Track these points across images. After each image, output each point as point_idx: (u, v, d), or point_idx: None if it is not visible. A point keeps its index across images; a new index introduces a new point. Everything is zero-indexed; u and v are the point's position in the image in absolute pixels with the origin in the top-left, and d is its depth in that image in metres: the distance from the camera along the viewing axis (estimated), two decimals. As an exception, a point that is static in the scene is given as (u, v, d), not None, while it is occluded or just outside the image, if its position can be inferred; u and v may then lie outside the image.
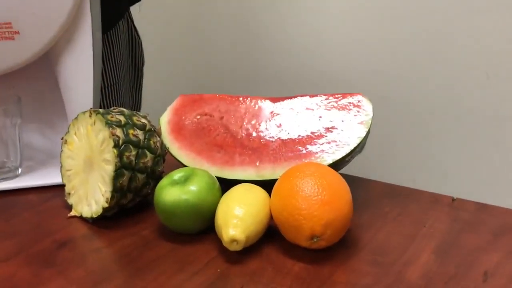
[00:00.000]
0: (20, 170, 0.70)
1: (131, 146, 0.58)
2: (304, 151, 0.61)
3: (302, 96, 0.66)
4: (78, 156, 0.61)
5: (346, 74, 1.18)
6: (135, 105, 1.01)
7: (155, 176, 0.61)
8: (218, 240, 0.55)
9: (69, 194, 0.62)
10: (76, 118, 0.61)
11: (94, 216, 0.59)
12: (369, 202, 0.64)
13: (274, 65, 1.27)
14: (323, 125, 0.63)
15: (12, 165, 0.69)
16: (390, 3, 1.11)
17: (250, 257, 0.54)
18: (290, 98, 0.67)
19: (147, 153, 0.60)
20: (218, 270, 0.52)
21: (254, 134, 0.65)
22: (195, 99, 0.69)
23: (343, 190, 0.54)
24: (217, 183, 0.58)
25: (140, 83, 1.01)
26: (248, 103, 0.68)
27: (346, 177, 0.57)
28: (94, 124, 0.59)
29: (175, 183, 0.57)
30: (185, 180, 0.57)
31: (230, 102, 0.68)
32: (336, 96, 0.65)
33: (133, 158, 0.58)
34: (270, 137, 0.64)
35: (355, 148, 0.61)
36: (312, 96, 0.66)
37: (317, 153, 0.61)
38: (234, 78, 1.34)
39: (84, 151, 0.60)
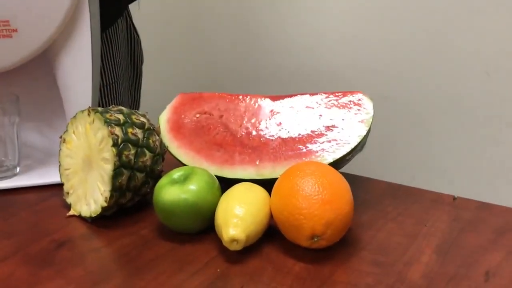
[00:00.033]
0: (18, 169, 0.69)
1: (130, 145, 0.58)
2: (304, 150, 0.61)
3: (302, 94, 0.66)
4: (77, 155, 0.60)
5: (346, 72, 1.17)
6: (134, 104, 1.01)
7: (154, 175, 0.61)
8: (218, 240, 0.54)
9: (68, 193, 0.62)
10: (74, 116, 0.61)
11: (93, 215, 0.59)
12: (370, 201, 0.64)
13: (274, 63, 1.26)
14: (324, 124, 0.63)
15: (10, 164, 0.68)
16: (390, 2, 1.11)
17: (250, 257, 0.53)
18: (290, 96, 0.66)
19: (146, 152, 0.59)
20: (218, 270, 0.52)
21: (254, 132, 0.64)
22: (195, 97, 0.69)
23: (344, 189, 0.53)
24: (217, 182, 0.58)
25: (139, 82, 1.01)
26: (247, 101, 0.67)
27: (346, 176, 0.57)
28: (93, 122, 0.58)
29: (175, 182, 0.56)
30: (184, 179, 0.56)
31: (229, 100, 0.68)
32: (337, 94, 0.64)
33: (132, 157, 0.58)
34: (270, 136, 0.64)
35: (355, 146, 0.60)
36: (312, 94, 0.65)
37: (317, 151, 0.61)
38: (234, 76, 1.33)
39: (82, 150, 0.60)
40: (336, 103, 0.64)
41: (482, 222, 0.60)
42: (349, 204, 0.53)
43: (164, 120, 0.68)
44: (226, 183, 0.59)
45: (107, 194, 0.57)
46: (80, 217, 0.61)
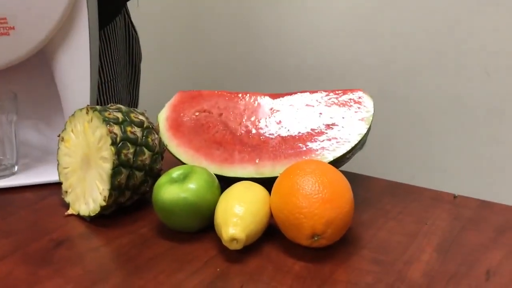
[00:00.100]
0: (16, 167, 0.69)
1: (129, 144, 0.57)
2: (304, 148, 0.61)
3: (302, 92, 0.66)
4: (75, 154, 0.60)
5: (346, 70, 1.17)
6: (133, 102, 1.00)
7: (153, 174, 0.61)
8: (217, 239, 0.54)
9: (66, 192, 0.62)
10: (73, 115, 0.61)
11: (92, 214, 0.58)
12: (370, 200, 0.64)
13: (273, 61, 1.26)
14: (324, 122, 0.62)
15: (8, 162, 0.68)
16: (390, 0, 1.10)
17: (250, 256, 0.53)
18: (290, 94, 0.66)
19: (145, 150, 0.59)
20: (218, 269, 0.51)
21: (254, 131, 0.64)
22: (194, 95, 0.68)
23: (344, 188, 0.53)
24: (216, 181, 0.58)
25: (137, 79, 1.00)
26: (247, 99, 0.67)
27: (346, 174, 0.56)
28: (91, 121, 0.58)
29: (174, 181, 0.56)
30: (184, 178, 0.56)
31: (229, 98, 0.67)
32: (337, 92, 0.64)
33: (131, 156, 0.57)
34: (270, 134, 0.63)
35: (356, 145, 0.60)
36: (312, 92, 0.65)
37: (317, 150, 0.60)
38: (233, 74, 1.33)
39: (81, 149, 0.59)
40: (336, 101, 0.64)
41: (482, 221, 0.60)
42: (350, 203, 0.53)
43: (163, 118, 0.67)
44: (225, 182, 0.59)
45: (106, 193, 0.57)
46: (78, 216, 0.60)
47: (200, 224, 0.56)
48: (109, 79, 0.87)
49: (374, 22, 1.13)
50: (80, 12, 0.63)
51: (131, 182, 0.58)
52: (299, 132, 0.62)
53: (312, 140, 0.61)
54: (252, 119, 0.65)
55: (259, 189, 0.56)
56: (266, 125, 0.64)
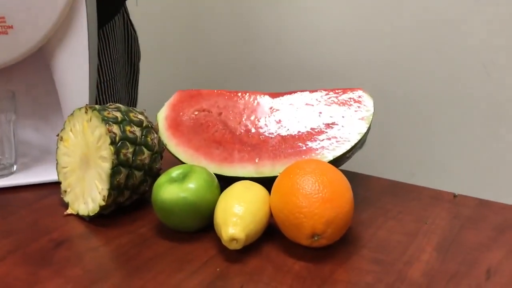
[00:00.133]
0: (15, 167, 0.69)
1: (128, 143, 0.57)
2: (304, 148, 0.61)
3: (301, 91, 0.65)
4: (74, 153, 0.60)
5: (346, 69, 1.17)
6: (131, 101, 1.00)
7: (152, 173, 0.61)
8: (217, 238, 0.54)
9: (65, 191, 0.61)
10: (71, 114, 0.60)
11: (91, 214, 0.58)
12: (370, 199, 0.64)
13: (273, 59, 1.26)
14: (323, 121, 0.62)
15: (7, 162, 0.68)
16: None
17: (249, 256, 0.53)
18: (290, 93, 0.66)
19: (144, 150, 0.59)
20: (218, 269, 0.51)
21: (253, 130, 0.64)
22: (193, 94, 0.68)
23: (344, 187, 0.53)
24: (216, 180, 0.58)
25: (136, 79, 1.00)
26: (247, 98, 0.67)
27: (346, 173, 0.56)
28: (90, 120, 0.58)
29: (173, 180, 0.56)
30: (183, 178, 0.56)
31: (228, 97, 0.67)
32: (337, 91, 0.64)
33: (130, 155, 0.57)
34: (270, 133, 0.63)
35: (355, 144, 0.60)
36: (312, 91, 0.65)
37: (317, 149, 0.60)
38: (233, 73, 1.32)
39: (80, 148, 0.59)
40: (336, 100, 0.63)
41: (482, 220, 0.59)
42: (350, 202, 0.52)
43: (162, 118, 0.67)
44: (225, 181, 0.58)
45: (105, 192, 0.56)
46: (78, 215, 0.60)
47: (199, 224, 0.56)
48: (108, 78, 0.87)
49: (374, 21, 1.13)
50: (78, 11, 0.63)
51: (130, 182, 0.58)
52: (299, 131, 0.62)
53: (312, 139, 0.61)
54: (252, 118, 0.65)
55: (259, 188, 0.56)
56: (265, 124, 0.64)
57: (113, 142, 0.56)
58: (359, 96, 0.63)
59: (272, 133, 0.63)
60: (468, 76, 1.07)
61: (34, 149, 0.73)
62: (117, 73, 0.89)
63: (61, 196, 0.62)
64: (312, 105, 0.64)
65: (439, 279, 0.50)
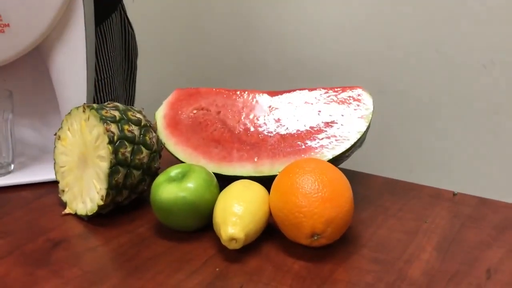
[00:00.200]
0: (12, 166, 0.68)
1: (126, 142, 0.57)
2: (303, 147, 0.60)
3: (300, 90, 0.65)
4: (72, 152, 0.60)
5: (345, 67, 1.16)
6: (129, 99, 0.99)
7: (151, 173, 0.60)
8: (216, 238, 0.54)
9: (63, 191, 0.61)
10: (69, 113, 0.60)
11: (89, 213, 0.58)
12: (369, 198, 0.63)
13: (272, 58, 1.25)
14: (323, 120, 0.62)
15: (4, 161, 0.67)
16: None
17: (249, 256, 0.53)
18: (289, 91, 0.66)
19: (143, 149, 0.58)
20: (217, 269, 0.51)
21: (252, 129, 0.63)
22: (191, 93, 0.68)
23: (344, 186, 0.53)
24: (215, 179, 0.57)
25: (133, 76, 0.99)
26: (245, 97, 0.66)
27: (345, 171, 0.56)
28: (88, 119, 0.57)
29: (172, 180, 0.55)
30: (182, 177, 0.55)
31: (227, 96, 0.67)
32: (336, 89, 0.64)
33: (128, 155, 0.57)
34: (269, 132, 0.63)
35: (355, 143, 0.60)
36: (311, 89, 0.65)
37: (316, 148, 0.60)
38: (231, 71, 1.32)
39: (78, 147, 0.59)
40: (335, 98, 0.63)
41: (482, 218, 0.59)
42: (349, 201, 0.52)
43: (160, 116, 0.67)
44: (224, 181, 0.58)
45: (103, 192, 0.56)
46: (76, 215, 0.60)
47: (198, 224, 0.56)
48: (105, 76, 0.86)
49: (373, 20, 1.13)
50: (76, 9, 0.62)
51: (128, 181, 0.58)
52: (298, 130, 0.62)
53: (311, 138, 0.61)
54: (251, 117, 0.64)
55: (258, 188, 0.56)
56: (264, 123, 0.64)
57: (111, 141, 0.56)
58: (359, 95, 0.63)
59: (271, 132, 0.63)
60: (467, 74, 1.06)
61: (31, 148, 0.72)
62: (114, 70, 0.89)
63: (59, 196, 0.62)
64: (311, 104, 0.63)
65: (439, 278, 0.50)
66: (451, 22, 1.06)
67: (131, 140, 0.57)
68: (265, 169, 0.60)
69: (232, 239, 0.51)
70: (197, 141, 0.64)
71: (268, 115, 0.64)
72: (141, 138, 0.59)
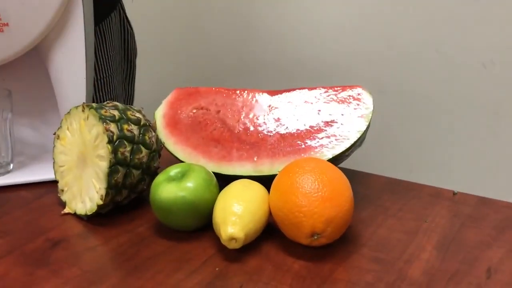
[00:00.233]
0: (11, 165, 0.68)
1: (125, 142, 0.57)
2: (303, 146, 0.60)
3: (300, 89, 0.65)
4: (71, 152, 0.59)
5: (345, 66, 1.16)
6: (128, 98, 0.99)
7: (150, 172, 0.60)
8: (216, 237, 0.54)
9: (63, 190, 0.61)
10: (68, 112, 0.60)
11: (89, 213, 0.58)
12: (369, 197, 0.63)
13: (272, 57, 1.25)
14: (322, 119, 0.62)
15: (3, 160, 0.67)
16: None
17: (249, 255, 0.53)
18: (288, 91, 0.65)
19: (142, 148, 0.58)
20: (217, 269, 0.51)
21: (252, 128, 0.63)
22: (191, 92, 0.68)
23: (344, 186, 0.53)
24: (215, 179, 0.57)
25: (132, 75, 0.99)
26: (245, 96, 0.66)
27: (345, 171, 0.56)
28: (87, 119, 0.57)
29: (171, 179, 0.55)
30: (181, 176, 0.55)
31: (226, 95, 0.67)
32: (336, 89, 0.63)
33: (128, 154, 0.57)
34: (268, 132, 0.63)
35: (355, 142, 0.59)
36: (311, 89, 0.64)
37: (316, 147, 0.60)
38: (231, 71, 1.32)
39: (77, 147, 0.59)
40: (335, 98, 0.63)
41: (482, 218, 0.59)
42: (349, 201, 0.52)
43: (160, 116, 0.66)
44: (223, 180, 0.58)
45: (103, 191, 0.56)
46: (75, 215, 0.60)
47: (198, 223, 0.56)
48: (104, 76, 0.86)
49: (373, 19, 1.12)
50: (75, 8, 0.62)
51: (128, 181, 0.58)
52: (298, 130, 0.62)
53: (311, 137, 0.61)
54: (250, 116, 0.64)
55: (258, 187, 0.55)
56: (264, 122, 0.64)
57: (110, 141, 0.55)
58: (358, 94, 0.62)
59: (271, 131, 0.62)
60: (468, 73, 1.06)
61: (30, 148, 0.72)
62: (113, 70, 0.89)
63: (58, 195, 0.61)
64: (311, 103, 0.63)
65: (439, 278, 0.50)
66: (451, 21, 1.06)
67: (131, 140, 0.57)
68: (264, 169, 0.60)
69: (232, 238, 0.51)
70: (196, 140, 0.63)
71: (268, 114, 0.64)
72: (140, 138, 0.58)
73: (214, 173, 0.59)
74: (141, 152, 0.58)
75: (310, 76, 1.20)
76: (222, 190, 0.55)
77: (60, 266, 0.51)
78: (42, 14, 0.61)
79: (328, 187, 0.51)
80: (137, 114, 0.60)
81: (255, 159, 0.61)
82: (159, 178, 0.56)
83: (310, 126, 0.61)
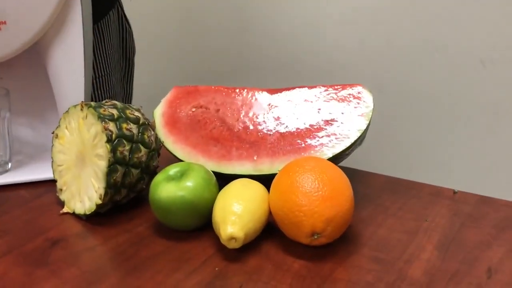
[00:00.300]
0: (10, 165, 0.68)
1: (124, 141, 0.56)
2: (303, 145, 0.60)
3: (300, 87, 0.65)
4: (70, 151, 0.59)
5: (345, 65, 1.16)
6: (127, 96, 0.99)
7: (149, 171, 0.60)
8: (215, 237, 0.53)
9: (61, 190, 0.61)
10: (67, 111, 0.59)
11: (87, 213, 0.57)
12: (369, 196, 0.63)
13: (271, 55, 1.25)
14: (323, 118, 0.61)
15: (2, 159, 0.67)
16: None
17: (249, 255, 0.52)
18: (288, 89, 0.65)
19: (141, 147, 0.58)
20: (216, 269, 0.51)
21: (252, 127, 0.63)
22: (190, 90, 0.67)
23: (344, 185, 0.52)
24: (214, 178, 0.57)
25: (131, 73, 0.99)
26: (244, 95, 0.66)
27: (345, 169, 0.56)
28: (86, 118, 0.57)
29: (171, 178, 0.55)
30: (181, 176, 0.55)
31: (226, 94, 0.66)
32: (336, 87, 0.63)
33: (126, 153, 0.56)
34: (268, 130, 0.62)
35: (355, 141, 0.59)
36: (310, 87, 0.64)
37: (316, 146, 0.59)
38: (230, 69, 1.31)
39: (76, 146, 0.58)
40: (335, 96, 0.63)
41: (483, 217, 0.59)
42: (350, 200, 0.52)
43: (159, 114, 0.66)
44: (223, 179, 0.58)
45: (102, 191, 0.56)
46: (74, 214, 0.59)
47: (197, 223, 0.56)
48: (103, 74, 0.86)
49: (373, 17, 1.12)
50: (73, 6, 0.62)
51: (127, 180, 0.57)
52: (298, 128, 0.61)
53: (311, 136, 0.60)
54: (250, 115, 0.64)
55: (258, 186, 0.55)
56: (264, 121, 0.63)
57: (109, 140, 0.55)
58: (359, 92, 0.62)
59: (271, 130, 0.62)
60: (468, 72, 1.06)
61: (29, 147, 0.72)
62: (112, 68, 0.88)
63: (57, 195, 0.61)
64: (311, 102, 0.63)
65: (439, 277, 0.50)
66: (451, 20, 1.05)
67: (130, 139, 0.57)
68: (264, 168, 0.59)
69: (232, 238, 0.51)
70: (196, 139, 0.63)
71: (268, 113, 0.64)
72: (139, 137, 0.58)
73: (213, 172, 0.58)
74: (140, 151, 0.58)
75: (310, 75, 1.19)
76: (222, 190, 0.55)
77: (59, 266, 0.51)
78: (40, 12, 0.61)
79: (328, 186, 0.51)
80: (136, 113, 0.60)
81: (254, 158, 0.60)
82: (158, 177, 0.56)
83: (310, 125, 0.61)
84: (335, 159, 0.59)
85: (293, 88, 0.65)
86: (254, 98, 0.65)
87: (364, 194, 0.63)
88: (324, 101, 0.63)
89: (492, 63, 1.04)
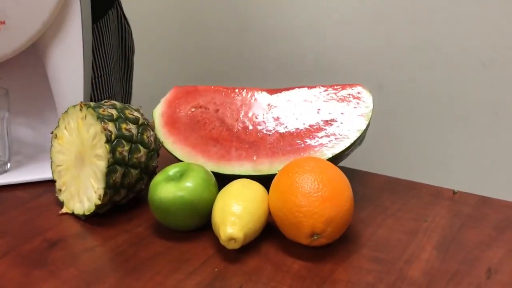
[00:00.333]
0: (8, 165, 0.68)
1: (124, 141, 0.56)
2: (302, 145, 0.60)
3: (300, 87, 0.65)
4: (69, 151, 0.59)
5: (345, 65, 1.16)
6: (126, 96, 0.99)
7: (149, 172, 0.60)
8: (215, 237, 0.53)
9: (60, 190, 0.60)
10: (66, 111, 0.59)
11: (87, 213, 0.57)
12: (369, 197, 0.63)
13: (271, 55, 1.24)
14: (322, 118, 0.61)
15: (1, 160, 0.67)
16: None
17: (248, 256, 0.52)
18: (288, 89, 0.65)
19: (141, 148, 0.58)
20: (216, 269, 0.50)
21: (251, 127, 0.63)
22: (189, 90, 0.67)
23: (344, 185, 0.52)
24: (214, 178, 0.57)
25: (130, 73, 0.99)
26: (244, 95, 0.66)
27: (345, 170, 0.55)
28: (85, 118, 0.57)
29: (170, 179, 0.55)
30: (180, 176, 0.55)
31: (225, 94, 0.66)
32: (335, 87, 0.63)
33: (126, 154, 0.56)
34: (268, 131, 0.62)
35: (355, 141, 0.59)
36: (310, 87, 0.64)
37: (316, 147, 0.59)
38: (230, 69, 1.31)
39: (75, 146, 0.58)
40: (335, 96, 0.62)
41: (482, 217, 0.59)
42: (349, 201, 0.52)
43: (158, 114, 0.66)
44: (222, 180, 0.58)
45: (101, 191, 0.55)
46: (73, 215, 0.59)
47: (197, 223, 0.55)
48: (102, 74, 0.86)
49: (373, 17, 1.12)
50: (72, 6, 0.62)
51: (126, 180, 0.57)
52: (297, 129, 0.61)
53: (311, 136, 0.60)
54: (249, 115, 0.64)
55: (257, 187, 0.55)
56: (263, 121, 0.63)
57: (108, 140, 0.55)
58: (358, 92, 0.62)
59: (270, 130, 0.62)
60: (468, 72, 1.06)
61: (28, 147, 0.72)
62: (111, 67, 0.88)
63: (56, 195, 0.61)
64: (311, 102, 0.63)
65: (439, 278, 0.49)
66: (451, 20, 1.05)
67: (129, 139, 0.57)
68: (264, 168, 0.59)
69: (231, 238, 0.50)
70: (195, 139, 0.63)
71: (267, 113, 0.64)
72: (138, 137, 0.58)
73: (213, 172, 0.58)
74: (140, 152, 0.58)
75: (310, 75, 1.19)
76: (221, 190, 0.55)
77: (58, 266, 0.51)
78: (39, 12, 0.61)
79: (328, 187, 0.51)
80: (135, 113, 0.60)
81: (254, 158, 0.60)
82: (158, 177, 0.56)
83: (310, 125, 0.61)
84: (335, 159, 0.59)
85: (293, 88, 0.65)
86: (253, 98, 0.65)
87: (364, 195, 0.63)
88: (324, 101, 0.63)
89: (492, 63, 1.04)
